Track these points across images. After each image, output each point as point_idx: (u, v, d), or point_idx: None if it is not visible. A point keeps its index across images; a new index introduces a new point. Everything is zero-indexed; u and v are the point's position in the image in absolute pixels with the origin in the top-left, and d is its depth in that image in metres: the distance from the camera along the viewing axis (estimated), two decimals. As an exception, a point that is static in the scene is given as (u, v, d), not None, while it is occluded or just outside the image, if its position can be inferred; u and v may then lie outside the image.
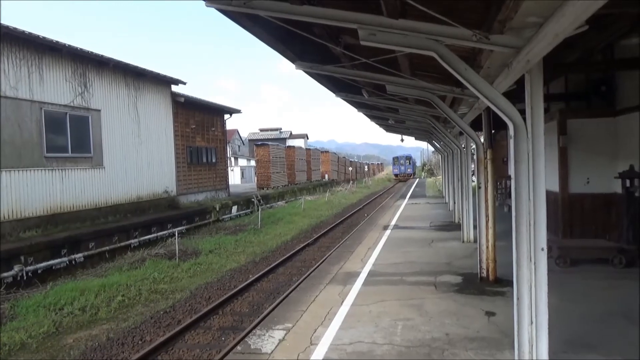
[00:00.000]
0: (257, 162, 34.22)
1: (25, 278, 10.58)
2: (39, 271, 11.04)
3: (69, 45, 14.25)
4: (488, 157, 7.55)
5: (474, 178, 9.00)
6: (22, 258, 10.86)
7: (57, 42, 13.80)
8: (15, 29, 12.39)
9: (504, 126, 4.02)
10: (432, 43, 4.02)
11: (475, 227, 9.77)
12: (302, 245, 14.91)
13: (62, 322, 8.13)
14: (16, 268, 10.47)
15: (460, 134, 12.41)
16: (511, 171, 3.99)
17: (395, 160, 66.61)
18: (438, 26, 3.81)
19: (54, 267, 11.51)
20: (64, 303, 8.91)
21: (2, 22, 11.87)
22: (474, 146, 8.80)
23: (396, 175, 65.78)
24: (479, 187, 7.98)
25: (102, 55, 15.73)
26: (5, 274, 10.19)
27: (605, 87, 9.55)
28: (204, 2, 4.09)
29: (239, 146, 70.94)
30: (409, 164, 65.01)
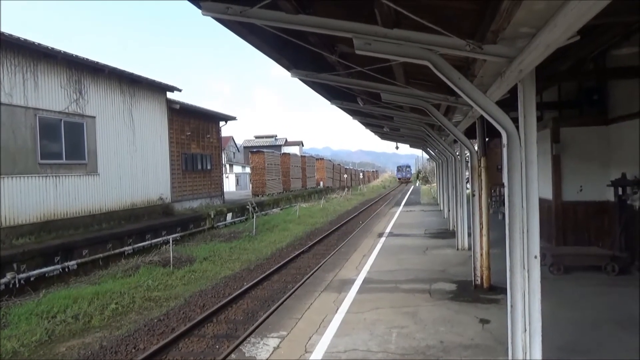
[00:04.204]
0: (252, 169, 34.19)
1: (17, 286, 10.49)
2: (32, 279, 10.96)
3: (65, 52, 14.25)
4: (482, 164, 7.60)
5: (468, 185, 9.05)
6: (15, 265, 10.78)
7: (52, 48, 13.80)
8: (10, 35, 12.38)
9: (498, 134, 4.06)
10: (427, 52, 4.06)
11: (469, 234, 9.82)
12: (297, 252, 14.89)
13: (54, 330, 8.05)
14: (9, 275, 10.38)
15: (455, 141, 12.49)
16: (504, 179, 4.02)
17: (399, 168, 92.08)
18: (432, 36, 3.85)
19: (46, 275, 11.42)
20: (57, 311, 8.84)
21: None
22: (468, 154, 8.85)
23: (399, 178, 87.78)
24: (473, 195, 8.02)
25: (97, 62, 15.74)
26: (-3, 282, 10.11)
27: (598, 95, 9.65)
28: (199, 10, 4.13)
29: (234, 153, 70.89)
30: (409, 170, 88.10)
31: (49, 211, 13.76)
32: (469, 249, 9.67)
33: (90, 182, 15.61)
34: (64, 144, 14.51)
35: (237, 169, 59.62)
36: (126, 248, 14.51)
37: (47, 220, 13.63)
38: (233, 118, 27.14)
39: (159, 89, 20.07)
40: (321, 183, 52.31)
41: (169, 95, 20.97)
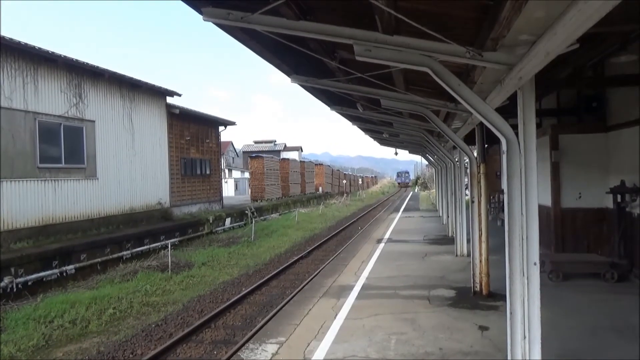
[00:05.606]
0: (251, 174, 34.19)
1: (15, 290, 10.45)
2: (29, 283, 10.92)
3: (65, 56, 14.28)
4: (481, 171, 7.61)
5: (467, 192, 9.05)
6: (13, 269, 10.74)
7: (52, 52, 13.83)
8: (11, 39, 12.41)
9: (498, 140, 4.07)
10: (426, 59, 4.08)
11: (468, 241, 9.81)
12: (295, 258, 14.85)
13: (52, 335, 8.01)
14: (6, 280, 10.34)
15: (454, 148, 12.51)
16: (504, 186, 4.02)
17: (399, 174, 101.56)
18: (432, 43, 3.87)
19: (44, 279, 11.38)
20: (54, 316, 8.80)
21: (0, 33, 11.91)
22: (467, 160, 8.87)
23: (399, 183, 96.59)
24: (472, 201, 8.02)
25: (97, 67, 15.77)
26: (-6, 286, 10.07)
27: (596, 103, 9.69)
28: (200, 16, 4.15)
29: (233, 158, 70.92)
30: (407, 176, 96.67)
31: (48, 215, 13.73)
32: (468, 255, 9.67)
33: (89, 187, 15.59)
34: (63, 148, 14.51)
35: (236, 174, 59.63)
36: (124, 253, 14.48)
37: (46, 224, 13.60)
38: (232, 123, 27.16)
39: (158, 93, 20.10)
40: (320, 188, 52.31)
41: (169, 100, 21.01)
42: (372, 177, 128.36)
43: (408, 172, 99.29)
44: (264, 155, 37.09)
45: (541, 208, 4.85)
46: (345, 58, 5.88)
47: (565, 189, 9.95)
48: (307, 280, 11.12)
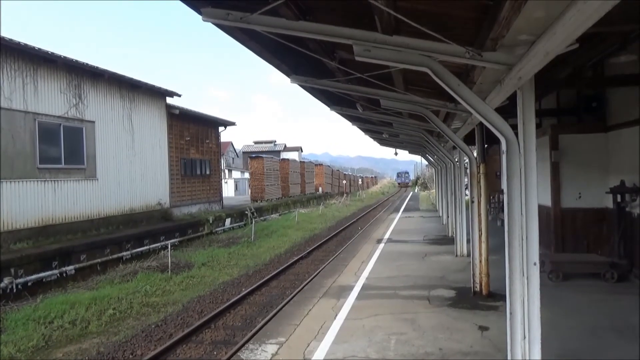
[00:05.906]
0: (251, 174, 34.20)
1: (15, 291, 10.45)
2: (29, 284, 10.91)
3: (64, 57, 14.28)
4: (481, 171, 7.61)
5: (467, 192, 9.05)
6: (12, 270, 10.74)
7: (52, 53, 13.83)
8: (11, 40, 12.41)
9: (497, 140, 4.07)
10: (426, 59, 4.07)
11: (468, 241, 9.81)
12: (295, 258, 14.84)
13: (51, 336, 8.01)
14: (6, 280, 10.34)
15: (454, 148, 12.50)
16: (504, 186, 4.02)
17: (399, 174, 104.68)
18: (431, 43, 3.87)
19: (44, 280, 11.38)
20: (54, 316, 8.79)
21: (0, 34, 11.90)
22: (467, 160, 8.86)
23: (399, 183, 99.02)
24: (472, 201, 8.02)
25: (97, 67, 15.77)
26: (-6, 287, 10.07)
27: (596, 103, 9.68)
28: (200, 16, 4.15)
29: (232, 158, 70.90)
30: (407, 176, 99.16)
31: (48, 216, 13.73)
32: (468, 255, 9.67)
33: (89, 187, 15.59)
34: (63, 148, 14.51)
35: (236, 174, 59.63)
36: (124, 253, 14.47)
37: (46, 224, 13.59)
38: (232, 123, 27.16)
39: (158, 94, 20.10)
40: (320, 189, 52.30)
41: (169, 100, 21.02)
42: (372, 177, 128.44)
43: (408, 173, 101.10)
44: (263, 155, 37.09)
45: (541, 208, 4.85)
46: (345, 58, 5.88)
47: (565, 189, 9.95)
48: (307, 281, 11.12)
